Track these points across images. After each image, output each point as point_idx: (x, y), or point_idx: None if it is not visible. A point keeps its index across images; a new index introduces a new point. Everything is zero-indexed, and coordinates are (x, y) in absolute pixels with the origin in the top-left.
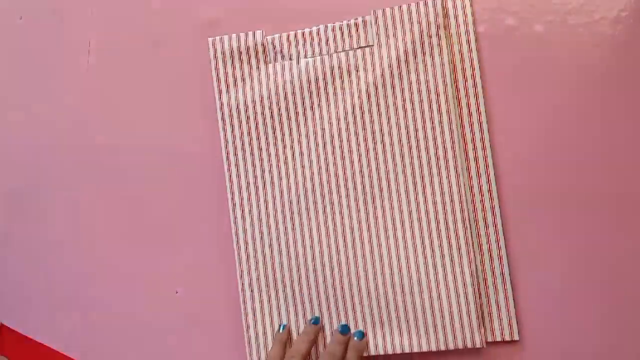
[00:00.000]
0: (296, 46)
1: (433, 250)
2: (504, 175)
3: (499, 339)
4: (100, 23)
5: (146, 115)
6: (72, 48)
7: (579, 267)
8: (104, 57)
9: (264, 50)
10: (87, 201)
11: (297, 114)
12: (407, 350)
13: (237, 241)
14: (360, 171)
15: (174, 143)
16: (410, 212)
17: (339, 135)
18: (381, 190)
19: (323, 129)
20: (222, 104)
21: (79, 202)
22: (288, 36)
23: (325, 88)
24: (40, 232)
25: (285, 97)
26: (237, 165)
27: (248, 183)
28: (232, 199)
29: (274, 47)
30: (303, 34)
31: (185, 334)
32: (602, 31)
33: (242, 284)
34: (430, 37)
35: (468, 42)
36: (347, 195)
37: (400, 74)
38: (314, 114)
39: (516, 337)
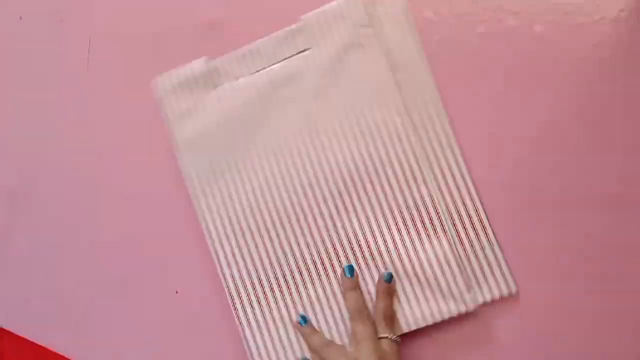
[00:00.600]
0: (239, 64)
1: (408, 230)
2: (498, 178)
3: (497, 296)
4: (100, 23)
5: (146, 115)
6: (72, 48)
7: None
8: (104, 57)
9: (209, 76)
10: (87, 201)
11: (252, 131)
12: (405, 330)
13: (213, 243)
14: (333, 174)
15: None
16: (381, 206)
17: (289, 149)
18: (349, 192)
19: (273, 146)
20: (175, 138)
21: (78, 202)
22: (230, 57)
23: (274, 101)
24: (41, 232)
25: (239, 116)
26: (204, 195)
27: (219, 211)
28: (206, 226)
29: (219, 70)
30: (241, 51)
31: (185, 334)
32: (602, 31)
33: (224, 278)
34: (360, 27)
35: (409, 27)
36: (316, 201)
37: (341, 73)
38: (267, 130)
39: (514, 290)
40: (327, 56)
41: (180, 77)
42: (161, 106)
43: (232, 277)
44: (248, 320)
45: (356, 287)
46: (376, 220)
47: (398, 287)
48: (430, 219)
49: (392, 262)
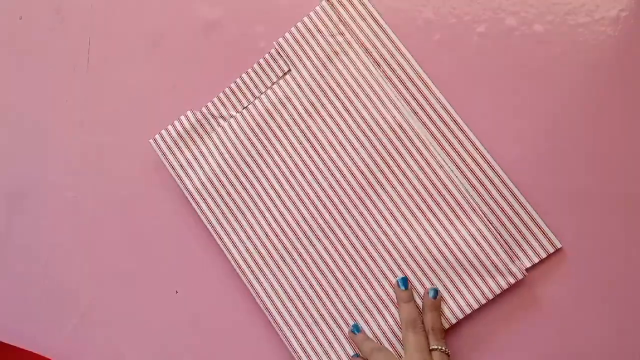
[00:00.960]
0: (227, 104)
1: (438, 218)
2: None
3: (543, 255)
4: (100, 23)
5: (146, 114)
6: (72, 48)
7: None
8: (104, 57)
9: (201, 125)
10: (87, 201)
11: (258, 163)
12: (460, 316)
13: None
14: (349, 182)
15: None
16: (405, 199)
17: (299, 170)
18: (368, 195)
19: (282, 172)
20: (187, 189)
21: (79, 202)
22: (219, 99)
23: (270, 128)
24: (41, 232)
25: (240, 154)
26: (228, 235)
27: (233, 241)
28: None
29: (210, 116)
30: (227, 91)
31: (185, 334)
32: (602, 31)
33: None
34: (334, 36)
35: (381, 29)
36: (339, 212)
37: (328, 84)
38: (271, 159)
39: (558, 245)
40: (308, 73)
41: (174, 133)
42: (165, 163)
43: (275, 307)
44: (296, 337)
45: (410, 299)
46: (403, 215)
47: (443, 276)
48: (456, 199)
49: (431, 253)
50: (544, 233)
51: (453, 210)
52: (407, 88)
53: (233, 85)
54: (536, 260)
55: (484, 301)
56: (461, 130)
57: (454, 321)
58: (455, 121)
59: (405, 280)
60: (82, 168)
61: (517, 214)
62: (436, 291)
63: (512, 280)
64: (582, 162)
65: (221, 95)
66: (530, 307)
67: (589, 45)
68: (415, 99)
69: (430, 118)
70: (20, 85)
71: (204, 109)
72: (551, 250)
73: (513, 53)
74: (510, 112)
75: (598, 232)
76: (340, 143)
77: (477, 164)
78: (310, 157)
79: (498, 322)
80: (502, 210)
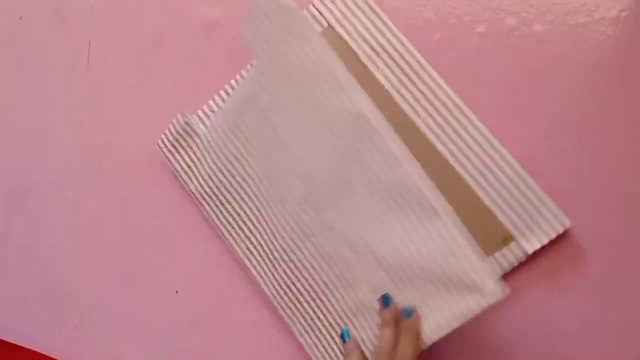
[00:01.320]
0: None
1: (413, 224)
2: None
3: (553, 235)
4: (100, 23)
5: (146, 115)
6: (72, 48)
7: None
8: (104, 57)
9: (196, 122)
10: (87, 201)
11: (240, 164)
12: (447, 330)
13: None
14: (318, 183)
15: None
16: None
17: (272, 168)
18: (339, 196)
19: (258, 175)
20: (190, 190)
21: (79, 202)
22: (219, 97)
23: (247, 123)
24: (41, 232)
25: (225, 155)
26: (237, 242)
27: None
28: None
29: (212, 113)
30: (226, 89)
31: (185, 334)
32: (602, 31)
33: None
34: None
35: (373, 10)
36: (315, 212)
37: (291, 76)
38: (253, 153)
39: (567, 224)
40: (270, 63)
41: (174, 134)
42: (169, 165)
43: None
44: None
45: (393, 321)
46: (367, 219)
47: (412, 292)
48: (428, 200)
49: (405, 261)
50: (550, 210)
51: (427, 214)
52: (405, 74)
53: (233, 83)
54: (546, 241)
55: (462, 321)
56: (452, 101)
57: (428, 343)
58: (449, 97)
59: (388, 298)
60: (82, 168)
61: (521, 191)
62: (412, 310)
63: (482, 303)
64: (582, 162)
65: (221, 93)
66: (529, 308)
67: (589, 45)
68: (414, 84)
69: (427, 97)
70: (20, 85)
71: (204, 107)
72: (561, 230)
73: (513, 53)
74: (510, 112)
75: (597, 232)
76: (303, 139)
77: (478, 143)
78: (277, 156)
79: (491, 325)
80: (506, 188)
